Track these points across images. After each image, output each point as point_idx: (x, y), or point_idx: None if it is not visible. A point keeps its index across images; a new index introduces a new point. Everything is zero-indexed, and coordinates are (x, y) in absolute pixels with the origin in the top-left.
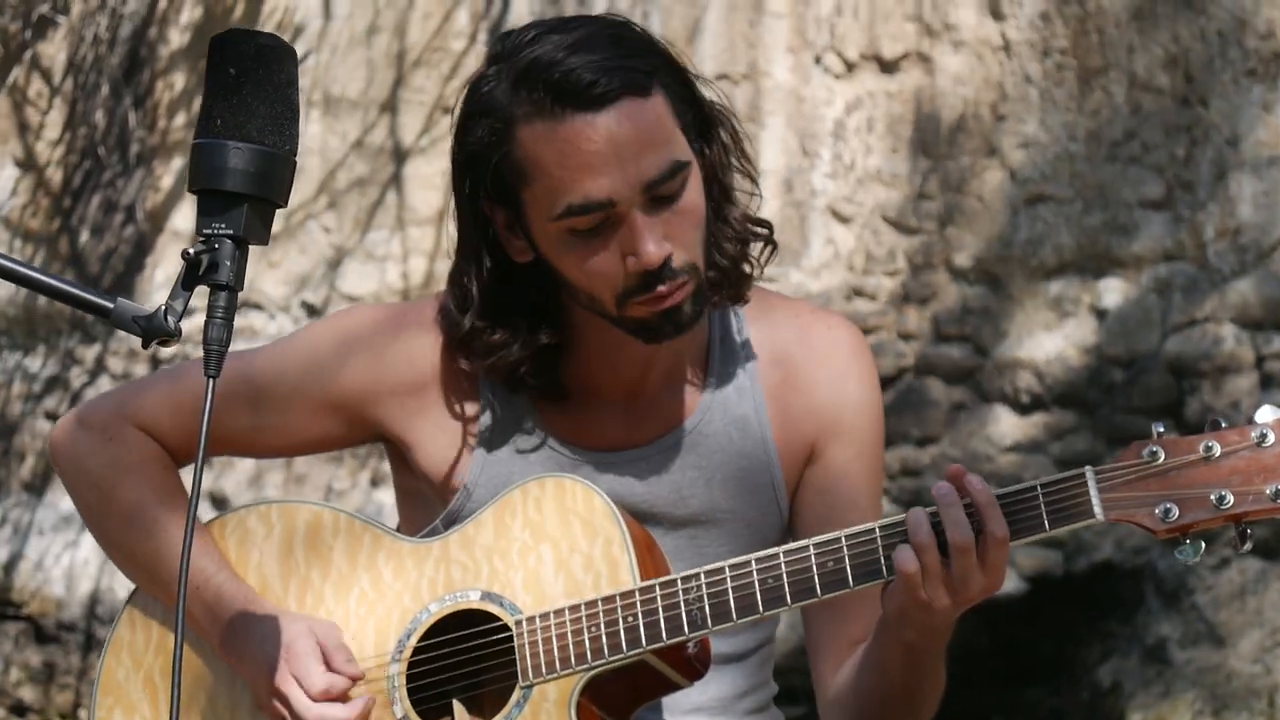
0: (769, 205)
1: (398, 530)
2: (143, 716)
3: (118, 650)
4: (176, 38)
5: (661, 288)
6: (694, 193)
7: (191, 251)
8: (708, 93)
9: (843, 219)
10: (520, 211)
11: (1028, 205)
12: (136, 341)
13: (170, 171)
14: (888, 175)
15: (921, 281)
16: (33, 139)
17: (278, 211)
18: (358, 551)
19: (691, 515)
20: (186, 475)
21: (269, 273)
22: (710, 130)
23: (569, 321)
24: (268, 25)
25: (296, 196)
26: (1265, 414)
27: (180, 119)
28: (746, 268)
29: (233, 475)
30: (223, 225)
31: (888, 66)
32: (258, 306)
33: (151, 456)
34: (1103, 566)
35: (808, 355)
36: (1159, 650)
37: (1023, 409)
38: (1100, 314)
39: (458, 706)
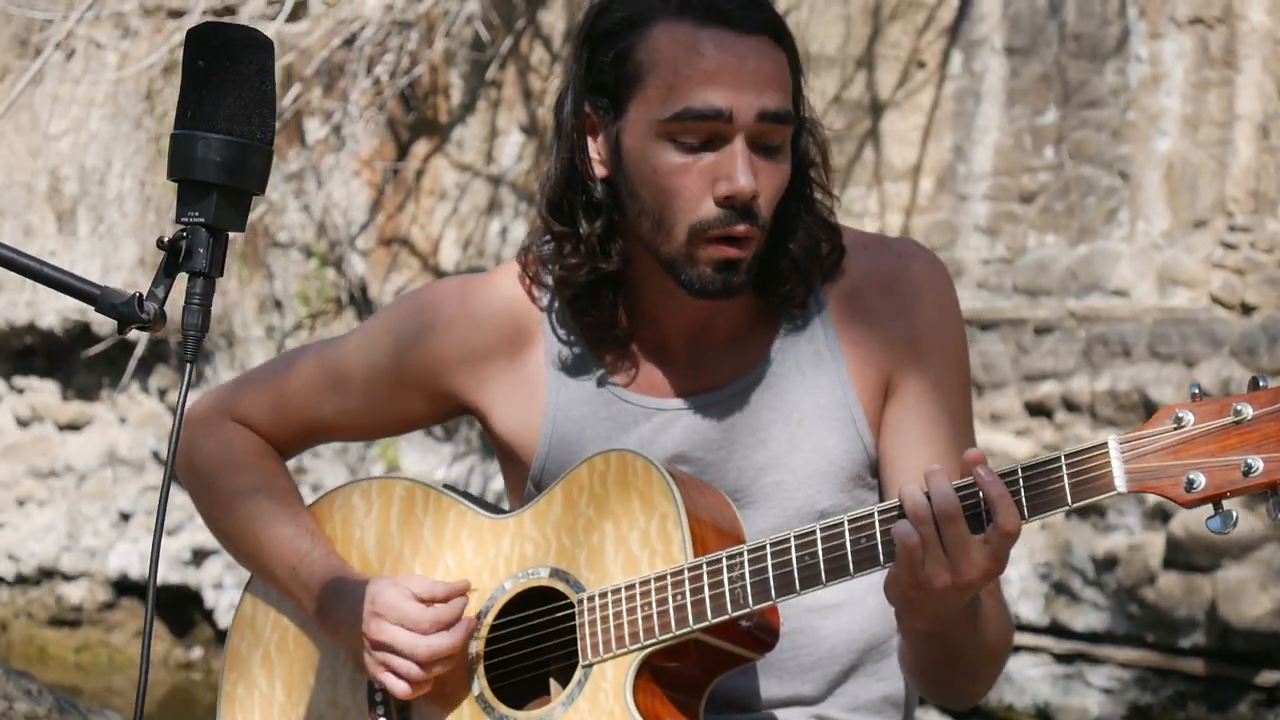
0: (1243, 152)
1: (486, 502)
2: (260, 689)
3: (241, 627)
4: None
5: (740, 227)
6: (787, 160)
7: (166, 239)
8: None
9: None
10: (621, 112)
11: None
12: None
13: None
14: None
15: None
16: (535, 105)
17: None
18: (443, 528)
19: (772, 457)
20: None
21: None
22: (802, 132)
23: (629, 262)
24: None
25: None
26: None
27: None
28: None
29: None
30: (196, 214)
31: None
32: None
33: (249, 448)
34: None
35: (878, 286)
36: None
37: None
38: None
39: (555, 686)
